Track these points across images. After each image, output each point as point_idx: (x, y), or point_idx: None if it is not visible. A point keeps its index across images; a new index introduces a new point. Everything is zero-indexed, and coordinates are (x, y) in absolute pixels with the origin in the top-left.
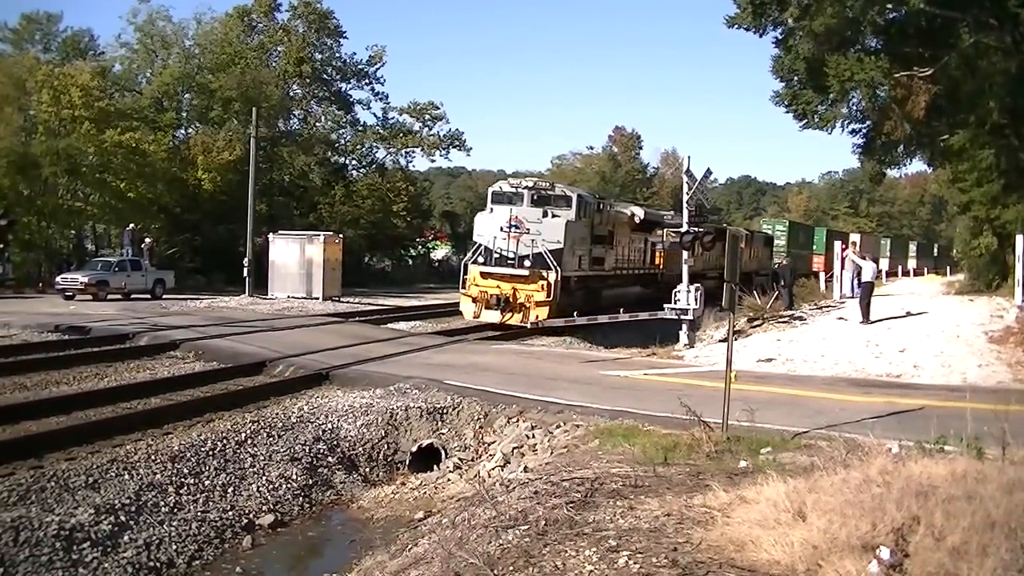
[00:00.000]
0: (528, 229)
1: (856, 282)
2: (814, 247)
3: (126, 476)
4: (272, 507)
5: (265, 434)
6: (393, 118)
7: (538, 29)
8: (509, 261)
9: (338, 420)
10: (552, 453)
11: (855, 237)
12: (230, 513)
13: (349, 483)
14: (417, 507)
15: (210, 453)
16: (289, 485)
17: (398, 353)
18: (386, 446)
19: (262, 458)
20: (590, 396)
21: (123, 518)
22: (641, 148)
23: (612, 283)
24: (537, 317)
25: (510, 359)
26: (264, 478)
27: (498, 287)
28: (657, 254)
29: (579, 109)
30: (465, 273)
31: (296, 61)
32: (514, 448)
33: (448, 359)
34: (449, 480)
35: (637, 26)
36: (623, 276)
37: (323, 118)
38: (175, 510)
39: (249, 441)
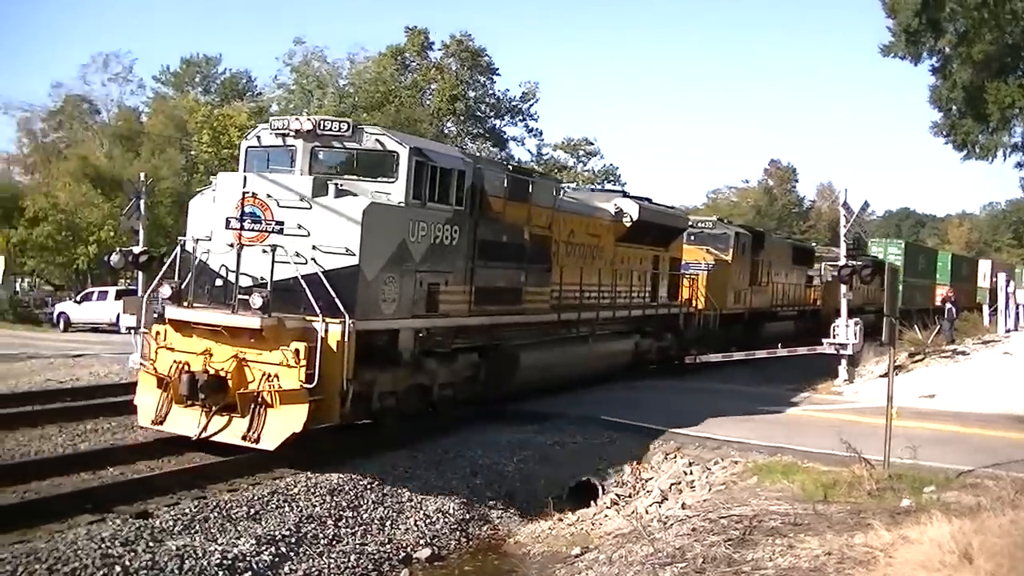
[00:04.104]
0: (278, 224)
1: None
2: (937, 276)
3: (286, 508)
4: (429, 541)
5: (423, 468)
6: (547, 154)
7: (692, 63)
8: (233, 296)
9: (495, 455)
10: (710, 490)
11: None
12: (387, 546)
13: (506, 518)
14: (574, 543)
15: (368, 487)
16: (446, 519)
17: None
18: (543, 481)
19: (419, 492)
20: (748, 432)
21: (283, 549)
22: (797, 181)
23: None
24: (284, 434)
25: (667, 395)
26: (421, 512)
27: (205, 353)
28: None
29: (734, 142)
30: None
31: (450, 99)
32: (671, 484)
33: (603, 395)
34: (606, 516)
35: (792, 58)
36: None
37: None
38: (334, 542)
39: (407, 475)
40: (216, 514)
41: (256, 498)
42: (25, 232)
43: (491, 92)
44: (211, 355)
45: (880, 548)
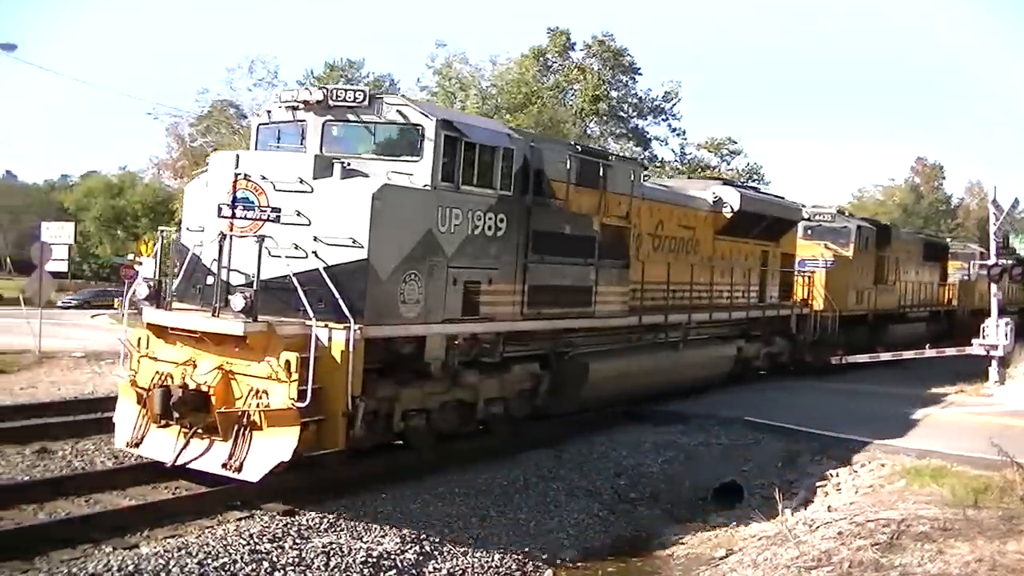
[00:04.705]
0: (274, 210)
1: None
2: None
3: (430, 508)
4: (573, 541)
5: (567, 469)
6: (691, 153)
7: (836, 61)
8: (215, 296)
9: (640, 456)
10: (856, 492)
11: None
12: (532, 546)
13: (650, 519)
14: (718, 545)
15: (513, 488)
16: (590, 520)
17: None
18: (687, 482)
19: (563, 493)
20: (895, 434)
21: (427, 548)
22: (944, 179)
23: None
24: (269, 463)
25: (810, 396)
26: (565, 512)
27: (188, 364)
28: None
29: (880, 140)
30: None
31: (592, 99)
32: (817, 486)
33: (748, 395)
34: (751, 518)
35: (940, 55)
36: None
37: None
38: (478, 541)
39: (551, 475)
40: (362, 513)
41: (401, 497)
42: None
43: (633, 92)
44: (195, 366)
45: None
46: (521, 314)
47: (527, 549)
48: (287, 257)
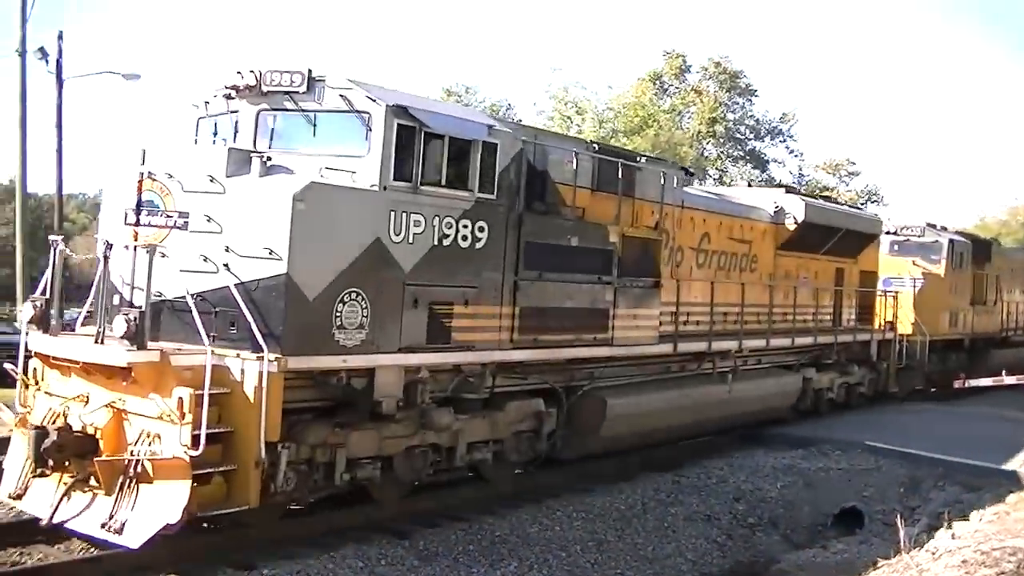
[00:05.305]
0: (181, 215)
1: None
2: None
3: (548, 533)
4: (692, 567)
5: (686, 494)
6: (808, 175)
7: (950, 78)
8: (99, 319)
9: (759, 480)
10: (981, 520)
11: None
12: (650, 570)
13: (769, 545)
14: (839, 571)
15: (631, 511)
16: (709, 545)
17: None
18: (807, 508)
19: (683, 517)
20: (1021, 461)
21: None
22: None
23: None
24: (153, 526)
25: (933, 421)
26: (684, 537)
27: (80, 400)
28: None
29: (1006, 160)
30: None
31: (709, 121)
32: (940, 513)
33: (869, 419)
34: (872, 545)
35: None
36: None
37: (739, 177)
38: (595, 566)
39: (669, 500)
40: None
41: (519, 520)
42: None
43: (750, 114)
44: (87, 402)
45: None
46: (511, 341)
47: (645, 574)
48: (196, 272)
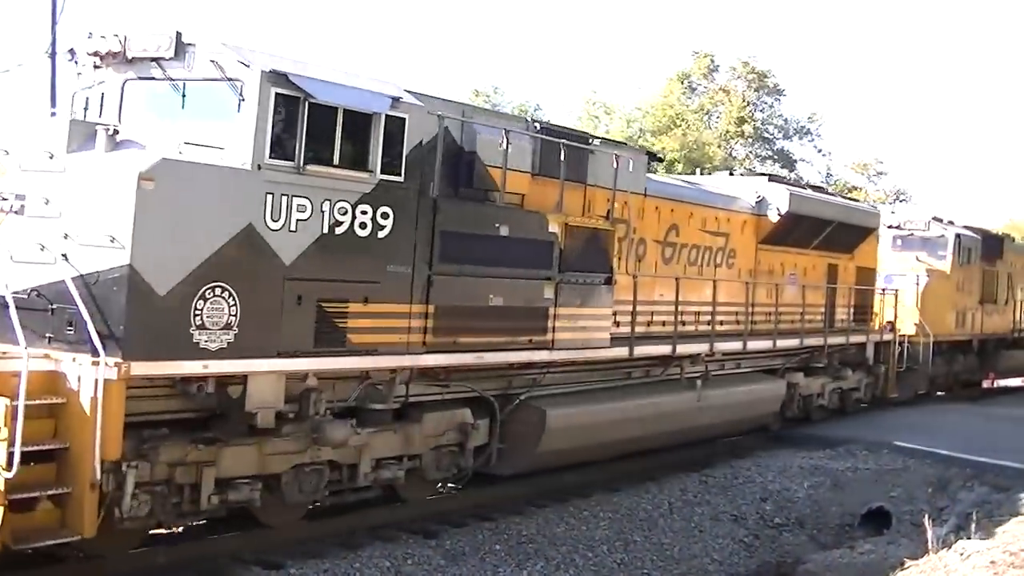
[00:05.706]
0: (19, 198)
1: None
2: None
3: (574, 532)
4: (719, 567)
5: (713, 494)
6: (837, 175)
7: (986, 81)
8: None
9: (786, 480)
10: (1011, 520)
11: None
12: (677, 570)
13: (796, 545)
14: (866, 572)
15: (658, 511)
16: (736, 545)
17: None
18: (834, 508)
19: (709, 517)
20: None
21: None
22: None
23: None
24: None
25: (962, 420)
26: (711, 537)
27: None
28: None
29: None
30: None
31: (737, 121)
32: (968, 514)
33: (897, 419)
34: (899, 545)
35: None
36: None
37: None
38: (621, 566)
39: (696, 500)
40: (506, 536)
41: (549, 520)
42: None
43: (779, 113)
44: None
45: None
46: (424, 344)
47: (672, 573)
48: (32, 263)
